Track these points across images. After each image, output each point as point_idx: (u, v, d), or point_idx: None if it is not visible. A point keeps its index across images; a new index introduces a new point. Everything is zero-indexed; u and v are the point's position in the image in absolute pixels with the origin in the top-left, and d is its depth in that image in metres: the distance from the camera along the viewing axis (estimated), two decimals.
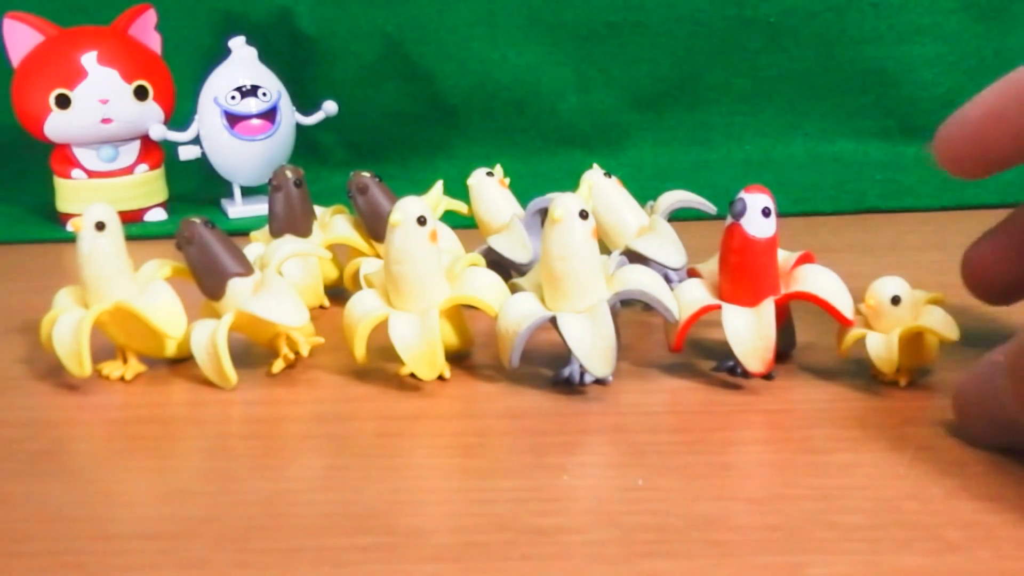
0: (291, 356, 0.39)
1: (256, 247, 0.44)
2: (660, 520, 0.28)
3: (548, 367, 0.39)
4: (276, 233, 0.46)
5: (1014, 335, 0.28)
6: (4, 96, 0.62)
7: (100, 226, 0.38)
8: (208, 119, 0.62)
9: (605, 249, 0.43)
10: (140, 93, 0.61)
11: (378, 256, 0.45)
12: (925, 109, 0.71)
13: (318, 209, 0.48)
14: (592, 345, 0.35)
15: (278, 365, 0.39)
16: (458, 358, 0.40)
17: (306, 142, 0.67)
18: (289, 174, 0.46)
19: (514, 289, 0.38)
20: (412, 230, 0.37)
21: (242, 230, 0.51)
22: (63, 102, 0.60)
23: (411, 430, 0.35)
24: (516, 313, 0.36)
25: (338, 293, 0.47)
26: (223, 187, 0.65)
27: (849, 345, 0.37)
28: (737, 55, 0.72)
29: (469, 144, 0.73)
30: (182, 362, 0.40)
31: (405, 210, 0.37)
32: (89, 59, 0.60)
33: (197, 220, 0.39)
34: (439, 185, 0.49)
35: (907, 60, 0.71)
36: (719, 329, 0.36)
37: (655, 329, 0.42)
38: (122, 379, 0.39)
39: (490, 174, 0.47)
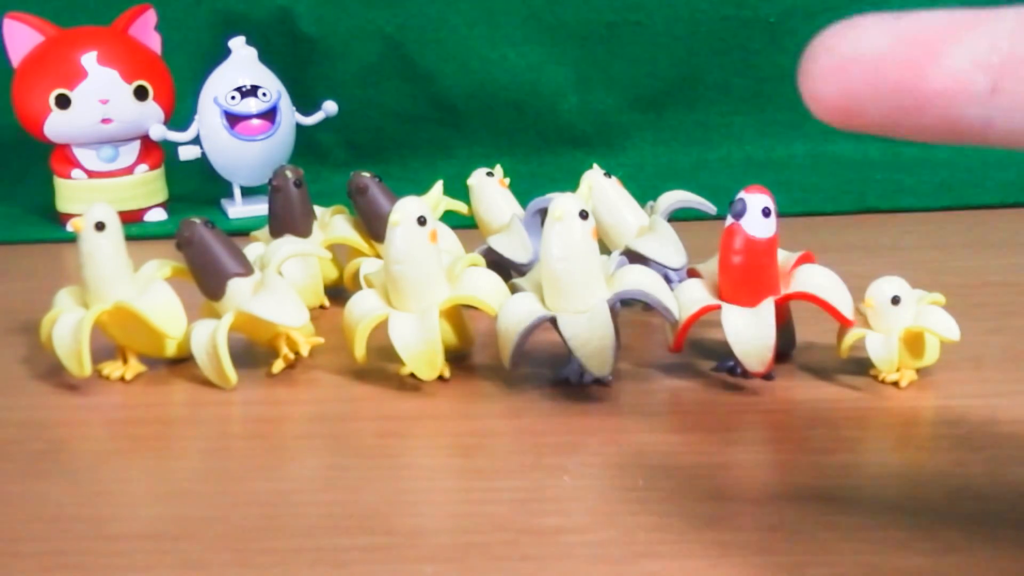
0: (291, 356, 0.39)
1: (256, 247, 0.44)
2: (660, 520, 0.28)
3: (548, 367, 0.39)
4: (276, 233, 0.46)
5: None
6: (4, 96, 0.62)
7: (100, 226, 0.38)
8: (208, 119, 0.62)
9: (605, 249, 0.43)
10: (140, 93, 0.61)
11: (378, 256, 0.45)
12: None
13: (318, 209, 0.48)
14: (592, 345, 0.35)
15: (278, 365, 0.39)
16: (458, 358, 0.40)
17: (306, 142, 0.67)
18: (289, 174, 0.46)
19: (514, 289, 0.38)
20: (412, 230, 0.37)
21: (242, 230, 0.51)
22: (63, 102, 0.60)
23: (411, 430, 0.35)
24: (516, 313, 0.36)
25: (338, 293, 0.47)
26: (223, 187, 0.65)
27: (849, 345, 0.37)
28: (737, 55, 0.72)
29: (469, 144, 0.73)
30: (182, 362, 0.40)
31: (405, 210, 0.37)
32: (89, 59, 0.60)
33: (197, 220, 0.39)
34: (439, 185, 0.49)
35: None
36: (719, 329, 0.36)
37: (655, 329, 0.42)
38: (122, 379, 0.39)
39: (490, 174, 0.47)
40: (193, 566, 0.27)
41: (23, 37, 0.61)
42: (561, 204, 0.35)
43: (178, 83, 0.64)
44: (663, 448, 0.33)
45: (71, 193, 0.62)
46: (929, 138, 0.18)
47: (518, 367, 0.36)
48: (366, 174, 0.45)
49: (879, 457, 0.32)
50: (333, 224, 0.47)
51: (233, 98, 0.61)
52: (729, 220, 0.36)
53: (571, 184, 0.44)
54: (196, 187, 0.67)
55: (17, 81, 0.61)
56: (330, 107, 0.64)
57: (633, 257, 0.41)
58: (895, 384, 0.36)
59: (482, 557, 0.27)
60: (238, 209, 0.63)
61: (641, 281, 0.36)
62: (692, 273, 0.39)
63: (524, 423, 0.35)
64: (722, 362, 0.38)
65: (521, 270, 0.43)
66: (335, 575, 0.27)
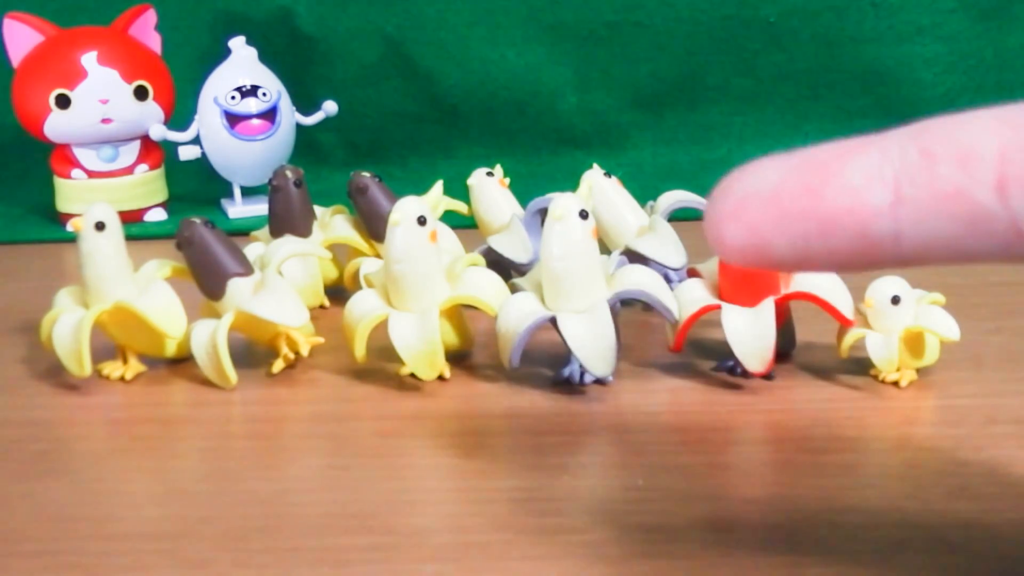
0: (291, 356, 0.39)
1: (256, 247, 0.44)
2: (660, 520, 0.28)
3: (548, 367, 0.39)
4: (276, 233, 0.46)
5: None
6: (4, 96, 0.62)
7: (100, 226, 0.38)
8: (208, 119, 0.62)
9: (605, 249, 0.43)
10: (140, 93, 0.61)
11: (378, 256, 0.45)
12: (925, 109, 0.71)
13: (318, 209, 0.48)
14: (592, 345, 0.35)
15: (278, 365, 0.39)
16: (458, 358, 0.40)
17: (306, 142, 0.67)
18: (289, 174, 0.46)
19: (514, 289, 0.38)
20: (412, 230, 0.37)
21: (242, 230, 0.51)
22: (63, 102, 0.60)
23: (411, 430, 0.35)
24: (516, 313, 0.36)
25: (338, 293, 0.47)
26: (223, 187, 0.65)
27: (849, 345, 0.37)
28: (737, 55, 0.72)
29: (469, 144, 0.73)
30: (182, 362, 0.40)
31: (405, 210, 0.37)
32: (89, 59, 0.60)
33: (197, 220, 0.39)
34: (439, 185, 0.49)
35: (907, 60, 0.71)
36: (719, 329, 0.36)
37: (655, 329, 0.42)
38: (122, 379, 0.39)
39: (490, 174, 0.47)
40: (193, 566, 0.27)
41: (23, 37, 0.61)
42: (561, 204, 0.35)
43: (178, 83, 0.64)
44: (663, 448, 0.33)
45: (71, 193, 0.62)
46: (845, 264, 0.18)
47: (518, 367, 0.36)
48: (366, 174, 0.45)
49: (879, 457, 0.32)
50: (333, 224, 0.47)
51: (233, 98, 0.61)
52: None
53: (571, 184, 0.44)
54: (196, 187, 0.67)
55: (17, 81, 0.61)
56: (330, 107, 0.64)
57: (633, 257, 0.41)
58: (895, 384, 0.36)
59: (482, 557, 0.27)
60: (238, 209, 0.63)
61: (641, 281, 0.36)
62: (692, 273, 0.39)
63: (524, 423, 0.35)
64: (722, 362, 0.38)
65: (521, 270, 0.43)
66: (335, 575, 0.27)
